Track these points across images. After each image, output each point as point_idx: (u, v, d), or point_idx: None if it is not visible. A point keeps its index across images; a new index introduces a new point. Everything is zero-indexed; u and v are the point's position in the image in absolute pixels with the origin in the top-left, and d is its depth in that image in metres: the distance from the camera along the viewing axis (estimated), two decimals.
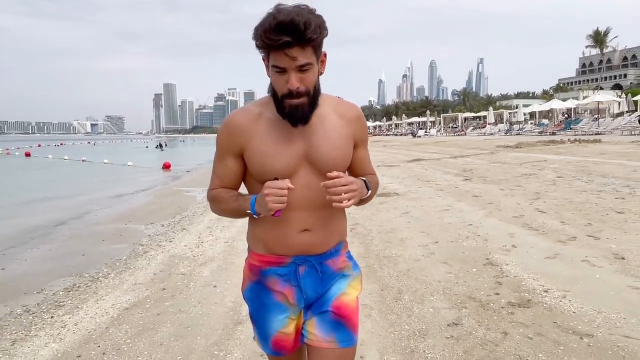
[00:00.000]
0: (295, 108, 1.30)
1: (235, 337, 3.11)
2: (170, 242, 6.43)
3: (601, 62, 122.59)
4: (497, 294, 3.35)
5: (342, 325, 1.43)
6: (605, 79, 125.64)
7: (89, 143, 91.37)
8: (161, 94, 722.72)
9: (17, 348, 3.33)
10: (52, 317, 3.91)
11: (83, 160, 30.10)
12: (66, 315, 3.91)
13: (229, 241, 6.04)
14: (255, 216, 1.38)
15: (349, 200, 1.29)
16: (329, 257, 1.46)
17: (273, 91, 1.35)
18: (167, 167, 22.64)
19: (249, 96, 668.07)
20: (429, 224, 5.93)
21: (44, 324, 3.77)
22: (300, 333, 1.47)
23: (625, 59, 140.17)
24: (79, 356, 3.08)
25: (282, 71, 1.27)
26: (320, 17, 1.27)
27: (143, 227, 7.84)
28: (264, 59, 1.34)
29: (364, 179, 1.44)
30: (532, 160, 14.42)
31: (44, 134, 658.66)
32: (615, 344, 2.51)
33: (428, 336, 2.79)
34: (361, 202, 1.42)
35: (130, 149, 59.11)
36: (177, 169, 22.72)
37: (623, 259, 3.94)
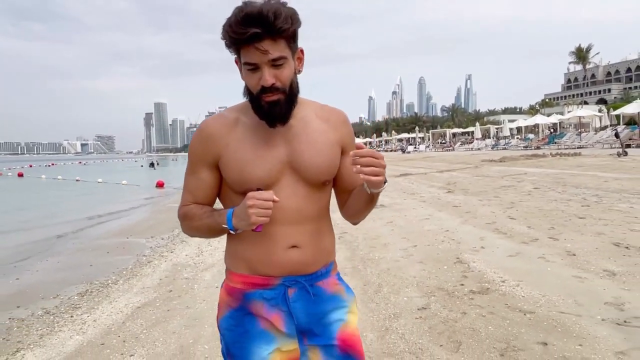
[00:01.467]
0: (271, 104, 1.20)
1: None
2: (171, 252, 6.91)
3: (585, 77, 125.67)
4: (462, 284, 3.90)
5: (351, 356, 1.31)
6: (590, 93, 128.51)
7: (80, 163, 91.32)
8: (152, 113, 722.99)
9: (45, 340, 3.81)
10: (71, 316, 4.39)
11: (77, 180, 30.36)
12: (84, 314, 4.38)
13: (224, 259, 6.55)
14: (232, 232, 1.24)
15: (377, 175, 1.16)
16: (320, 278, 1.34)
17: (248, 92, 1.25)
18: (160, 185, 23.01)
19: None
20: (410, 230, 6.49)
21: (65, 322, 4.24)
22: None
23: (609, 73, 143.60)
24: (102, 344, 3.57)
25: (254, 68, 1.18)
26: (291, 8, 1.17)
27: (144, 240, 8.30)
28: (236, 61, 1.24)
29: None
30: (513, 173, 15.10)
31: (34, 154, 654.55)
32: (550, 317, 3.07)
33: (400, 317, 3.33)
34: (369, 204, 1.33)
35: (122, 168, 59.30)
36: (170, 186, 23.13)
37: (574, 255, 4.53)
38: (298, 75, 1.28)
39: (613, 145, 23.10)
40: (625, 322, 2.91)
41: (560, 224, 6.05)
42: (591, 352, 2.57)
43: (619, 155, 18.11)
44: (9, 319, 4.48)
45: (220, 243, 7.18)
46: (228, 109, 1.35)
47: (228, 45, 1.20)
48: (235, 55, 1.22)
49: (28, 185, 28.81)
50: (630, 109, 31.40)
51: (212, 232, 1.30)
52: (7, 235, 9.87)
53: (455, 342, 2.84)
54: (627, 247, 4.65)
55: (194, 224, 1.31)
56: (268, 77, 1.17)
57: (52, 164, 74.40)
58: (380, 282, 4.24)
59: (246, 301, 1.29)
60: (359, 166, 1.15)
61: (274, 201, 1.17)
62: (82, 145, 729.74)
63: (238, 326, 1.29)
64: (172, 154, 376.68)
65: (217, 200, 1.39)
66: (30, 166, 56.96)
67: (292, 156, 1.27)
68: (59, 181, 30.85)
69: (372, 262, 4.99)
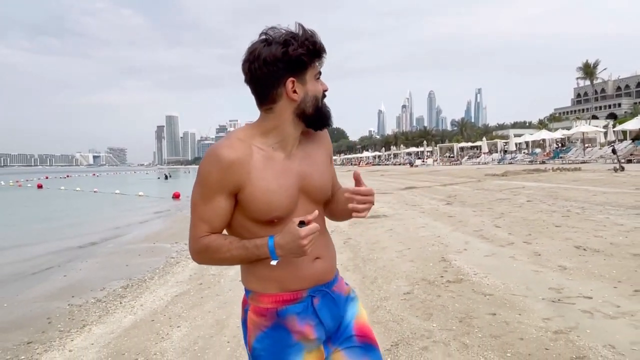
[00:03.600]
0: (327, 107, 1.39)
1: None
2: None
3: (595, 91, 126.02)
4: (442, 277, 4.79)
5: (370, 345, 1.44)
6: (600, 108, 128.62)
7: (94, 175, 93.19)
8: (163, 126, 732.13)
9: (104, 319, 4.74)
10: (120, 303, 5.32)
11: (94, 191, 31.59)
12: (131, 301, 5.31)
13: None
14: (274, 262, 1.29)
15: (367, 210, 1.34)
16: (334, 283, 1.46)
17: (313, 104, 1.35)
18: (176, 196, 24.04)
19: None
20: (407, 237, 7.38)
21: (116, 307, 5.18)
22: None
23: (619, 88, 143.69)
24: (152, 320, 4.48)
25: (320, 76, 1.37)
26: None
27: (169, 246, 9.25)
28: (292, 81, 1.31)
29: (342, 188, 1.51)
30: (511, 187, 15.90)
31: (46, 165, 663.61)
32: (504, 297, 3.95)
33: (389, 299, 4.22)
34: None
35: (135, 180, 60.74)
36: (186, 198, 24.15)
37: (539, 255, 5.40)
38: None
39: (615, 161, 23.73)
40: (558, 300, 3.79)
41: (537, 231, 6.91)
42: (525, 318, 3.45)
43: (615, 170, 18.82)
44: (69, 304, 5.43)
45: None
46: (235, 134, 1.37)
47: (305, 55, 1.29)
48: (289, 78, 1.30)
49: (50, 196, 30.11)
50: (631, 125, 32.00)
51: (239, 262, 1.36)
52: (45, 242, 10.90)
53: (428, 314, 3.73)
54: (584, 249, 5.51)
55: (219, 256, 1.32)
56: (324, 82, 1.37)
57: (68, 176, 76.30)
58: (376, 275, 5.14)
59: (280, 318, 1.35)
60: (355, 203, 1.33)
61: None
62: (94, 157, 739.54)
63: (275, 344, 1.35)
64: (183, 166, 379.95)
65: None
66: (47, 177, 58.66)
67: (304, 181, 1.37)
68: (77, 192, 32.12)
69: (371, 261, 5.88)
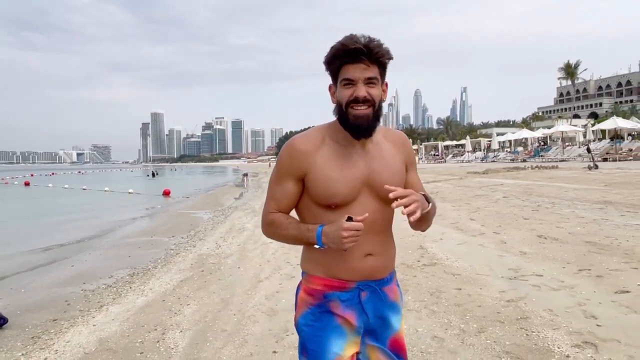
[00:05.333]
0: (359, 117, 1.37)
1: (259, 287, 5.12)
2: (194, 247, 8.41)
3: (577, 91, 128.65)
4: (419, 261, 5.46)
5: (401, 357, 1.53)
6: (582, 107, 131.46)
7: (80, 172, 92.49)
8: (148, 123, 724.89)
9: (118, 300, 5.29)
10: (130, 287, 5.88)
11: (84, 189, 31.78)
12: (140, 286, 5.87)
13: (240, 244, 8.05)
14: (316, 246, 1.40)
15: (415, 209, 1.32)
16: (386, 284, 1.52)
17: (338, 109, 1.42)
18: (166, 193, 24.28)
19: (237, 125, 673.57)
20: None
21: (127, 291, 5.73)
22: (356, 358, 1.50)
23: (600, 88, 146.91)
24: (163, 300, 5.06)
25: (351, 83, 1.37)
26: (387, 47, 1.40)
27: (167, 239, 9.78)
28: (330, 87, 1.46)
29: (422, 192, 1.49)
30: (491, 184, 16.70)
31: (29, 163, 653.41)
32: (469, 276, 4.64)
33: None
34: (423, 220, 1.47)
35: (121, 177, 60.68)
36: (176, 195, 24.51)
37: (505, 243, 6.10)
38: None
39: (589, 159, 24.73)
40: (514, 278, 4.48)
41: (507, 223, 7.63)
42: (485, 292, 4.13)
43: (589, 168, 19.77)
44: (82, 290, 5.97)
45: (234, 239, 8.67)
46: (315, 129, 1.51)
47: (331, 62, 1.40)
48: (332, 81, 1.45)
49: (39, 193, 30.25)
50: (607, 124, 33.20)
51: (295, 241, 1.47)
52: (47, 236, 11.36)
53: (404, 290, 4.37)
54: (545, 238, 6.23)
55: (280, 232, 1.48)
56: (362, 90, 1.37)
57: (53, 174, 75.76)
58: None
59: (326, 300, 1.47)
60: (403, 208, 1.32)
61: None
62: (78, 154, 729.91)
63: (317, 321, 1.46)
64: (168, 164, 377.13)
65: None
66: (32, 175, 58.29)
67: (371, 176, 1.44)
68: (67, 190, 32.27)
69: None
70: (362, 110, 1.36)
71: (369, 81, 1.36)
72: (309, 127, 1.59)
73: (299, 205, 1.51)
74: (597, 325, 3.21)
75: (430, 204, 1.47)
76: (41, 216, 15.85)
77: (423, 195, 1.45)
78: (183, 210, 16.03)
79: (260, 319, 4.02)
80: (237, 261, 6.67)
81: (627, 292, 3.89)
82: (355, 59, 1.35)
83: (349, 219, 1.32)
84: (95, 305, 5.17)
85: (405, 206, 1.31)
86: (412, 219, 1.31)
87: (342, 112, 1.39)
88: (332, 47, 1.38)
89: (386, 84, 1.46)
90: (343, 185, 1.40)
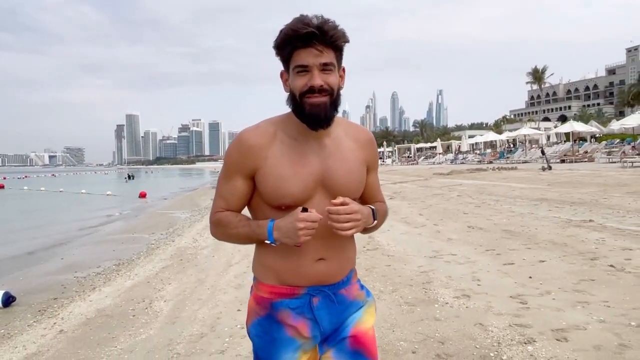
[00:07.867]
0: (316, 107, 1.27)
1: (229, 271, 6.10)
2: (173, 241, 9.32)
3: (547, 94, 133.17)
4: (364, 247, 6.51)
5: (361, 354, 1.40)
6: (552, 110, 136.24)
7: (53, 175, 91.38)
8: (123, 125, 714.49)
9: (108, 284, 6.20)
10: (118, 274, 6.79)
11: (60, 191, 32.02)
12: (127, 272, 6.79)
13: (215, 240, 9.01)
14: (272, 244, 1.31)
15: (350, 229, 1.26)
16: (342, 286, 1.42)
17: (292, 98, 1.31)
18: (142, 195, 24.84)
19: (214, 127, 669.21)
20: None
21: (115, 276, 6.64)
22: None
23: (569, 91, 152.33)
24: (148, 282, 6.00)
25: (304, 70, 1.26)
26: (342, 28, 1.29)
27: (147, 236, 10.64)
28: (281, 74, 1.34)
29: (372, 207, 1.42)
30: (451, 184, 17.97)
31: None
32: (400, 257, 5.74)
33: None
34: (366, 230, 1.41)
35: (98, 180, 60.52)
36: (152, 197, 25.09)
37: (439, 232, 7.24)
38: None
39: (544, 161, 26.17)
40: (434, 257, 5.60)
41: (448, 217, 8.80)
42: (408, 267, 5.22)
43: (543, 169, 21.28)
44: (75, 277, 6.86)
45: (210, 235, 9.58)
46: (266, 121, 1.39)
47: (282, 47, 1.28)
48: (283, 67, 1.33)
49: (15, 196, 30.40)
50: (564, 128, 35.16)
51: (246, 240, 1.38)
52: (33, 231, 12.08)
53: None
54: (472, 228, 7.39)
55: (229, 231, 1.38)
56: (318, 78, 1.25)
57: (26, 176, 74.81)
58: None
59: (273, 310, 1.37)
60: (335, 223, 1.25)
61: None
62: (50, 157, 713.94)
63: (266, 334, 1.38)
64: (144, 166, 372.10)
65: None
66: (5, 178, 57.58)
67: (326, 174, 1.34)
68: (43, 192, 32.47)
69: None
70: (319, 99, 1.27)
71: (325, 67, 1.27)
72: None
73: (251, 204, 1.43)
74: (478, 285, 4.32)
75: (375, 222, 1.43)
76: (24, 219, 16.43)
77: (372, 209, 1.41)
78: (161, 211, 16.82)
79: (229, 291, 5.01)
80: (212, 251, 7.62)
81: (512, 264, 5.03)
82: (308, 43, 1.24)
83: (304, 209, 1.26)
84: (89, 288, 6.08)
85: (341, 222, 1.25)
86: (341, 234, 1.27)
87: (297, 102, 1.29)
88: (281, 31, 1.27)
89: (343, 69, 1.36)
90: (295, 185, 1.31)
